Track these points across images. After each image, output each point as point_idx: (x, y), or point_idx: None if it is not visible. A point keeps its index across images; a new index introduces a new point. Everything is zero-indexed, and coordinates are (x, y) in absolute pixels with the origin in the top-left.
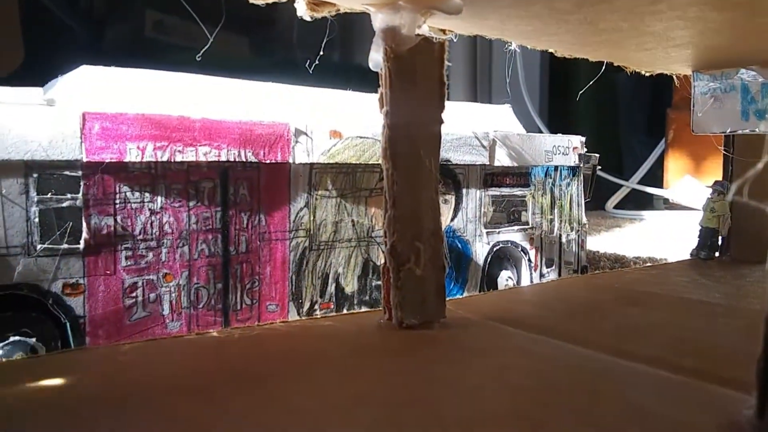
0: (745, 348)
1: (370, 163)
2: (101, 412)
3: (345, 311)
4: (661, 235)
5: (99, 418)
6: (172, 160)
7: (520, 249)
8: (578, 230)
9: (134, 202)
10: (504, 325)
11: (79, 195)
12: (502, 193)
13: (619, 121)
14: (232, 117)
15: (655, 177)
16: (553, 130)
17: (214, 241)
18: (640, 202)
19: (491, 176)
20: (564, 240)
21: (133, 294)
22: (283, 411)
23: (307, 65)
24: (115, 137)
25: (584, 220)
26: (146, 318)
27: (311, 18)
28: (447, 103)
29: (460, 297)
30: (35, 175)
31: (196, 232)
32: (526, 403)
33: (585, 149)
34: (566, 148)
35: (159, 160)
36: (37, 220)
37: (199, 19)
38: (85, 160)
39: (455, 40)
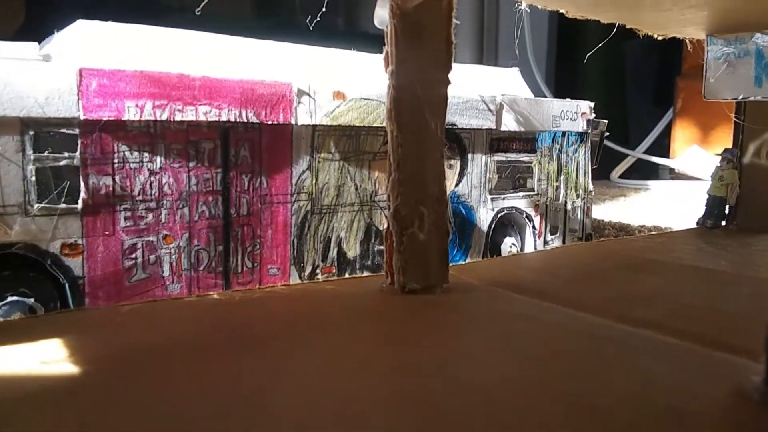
0: (751, 315)
1: (374, 126)
2: (100, 372)
3: (347, 275)
4: (667, 204)
5: (97, 379)
6: (172, 120)
7: (524, 216)
8: (584, 198)
9: (133, 162)
10: (508, 291)
11: (77, 154)
12: (508, 159)
13: (627, 89)
14: (233, 76)
15: (662, 147)
16: (559, 96)
17: (215, 203)
18: (645, 171)
19: (497, 141)
20: (569, 207)
21: (133, 255)
22: (283, 372)
23: (308, 21)
24: (113, 95)
25: (590, 187)
26: (146, 280)
27: None
28: (453, 65)
29: (464, 263)
30: (31, 133)
31: (197, 194)
32: (534, 369)
33: (593, 115)
34: (574, 114)
35: (158, 119)
36: (33, 178)
37: None
38: (82, 117)
39: None
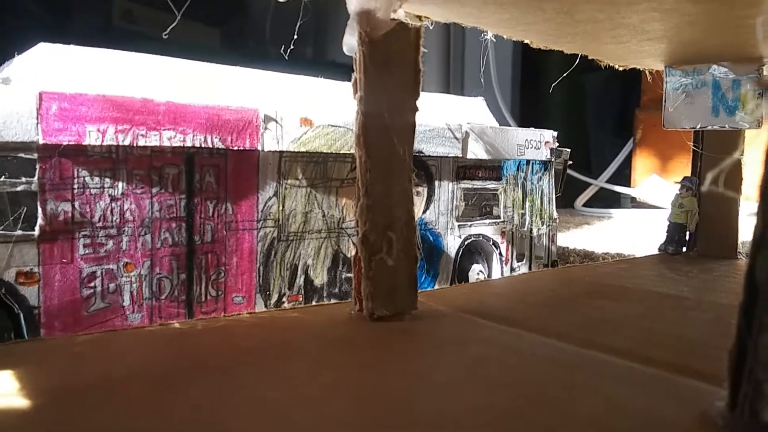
0: (714, 341)
1: (342, 152)
2: (55, 405)
3: (314, 303)
4: (629, 232)
5: (52, 412)
6: (135, 145)
7: (491, 243)
8: (549, 225)
9: (94, 188)
10: (476, 317)
11: (35, 179)
12: (475, 186)
13: (588, 119)
14: (199, 101)
15: (623, 176)
16: (523, 125)
17: (178, 230)
18: (608, 200)
19: (464, 169)
20: (535, 234)
21: (92, 284)
22: (247, 401)
23: (282, 51)
24: (73, 119)
25: (555, 215)
26: (105, 309)
27: None
28: (421, 93)
29: (432, 289)
30: None
31: (159, 220)
32: (502, 396)
33: (557, 144)
34: (538, 143)
35: (120, 143)
36: None
37: (168, 4)
38: (41, 142)
39: (431, 27)
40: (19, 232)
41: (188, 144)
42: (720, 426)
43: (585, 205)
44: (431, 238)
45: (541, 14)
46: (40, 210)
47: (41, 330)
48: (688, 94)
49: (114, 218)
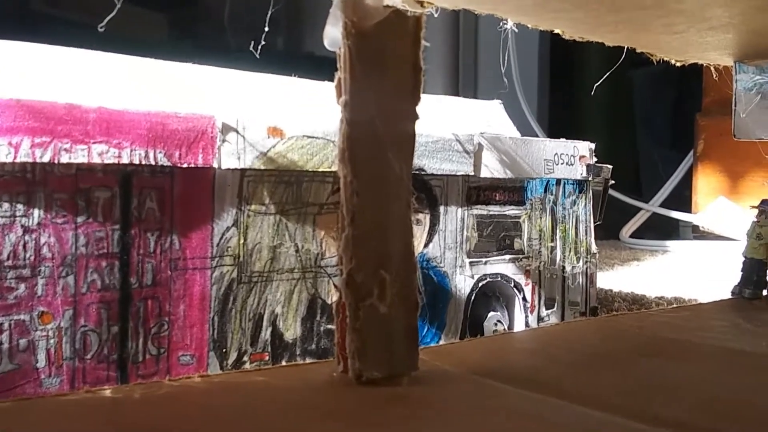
0: None
1: (321, 170)
2: None
3: (284, 363)
4: (691, 270)
5: None
6: (56, 162)
7: (512, 285)
8: (587, 262)
9: (2, 216)
10: (494, 381)
11: None
12: (490, 213)
13: (636, 128)
14: (139, 106)
15: (682, 199)
16: (552, 136)
17: (110, 270)
18: (662, 229)
19: (476, 190)
20: (568, 274)
21: None
22: None
23: (252, 48)
24: None
25: (594, 248)
26: (14, 372)
27: None
28: (422, 96)
29: (437, 345)
30: None
31: (86, 258)
32: None
33: (595, 159)
34: (571, 157)
35: (38, 160)
36: None
37: None
38: None
39: (435, 15)
40: None
41: (124, 161)
42: None
43: (633, 236)
44: (436, 279)
45: None
46: None
47: None
48: (764, 96)
49: (27, 255)
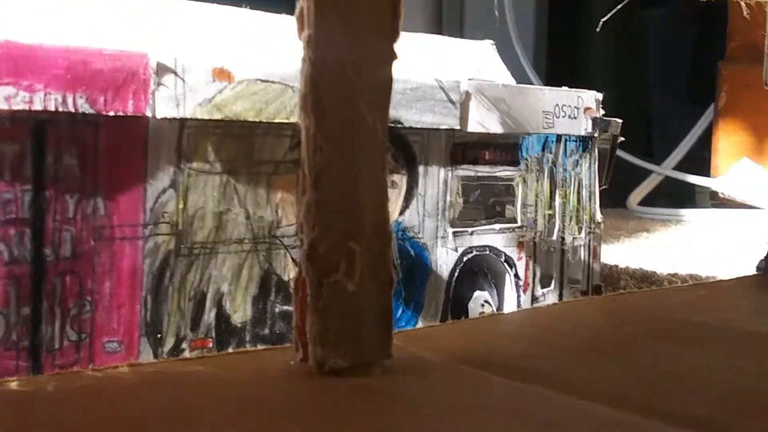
0: None
1: (277, 121)
2: None
3: (231, 350)
4: (709, 242)
5: None
6: None
7: (503, 259)
8: (590, 233)
9: None
10: (480, 370)
11: None
12: (478, 174)
13: (649, 76)
14: (55, 41)
15: (700, 160)
16: (552, 84)
17: (19, 240)
18: (677, 196)
19: (462, 147)
20: (569, 246)
21: None
22: None
23: None
24: None
25: (599, 217)
26: None
27: None
28: (401, 33)
29: (414, 328)
30: None
31: None
32: None
33: (602, 112)
34: (575, 109)
35: None
36: None
37: None
38: None
39: None
40: None
41: (37, 107)
42: None
43: (642, 203)
44: (413, 252)
45: None
46: None
47: None
48: None
49: None
